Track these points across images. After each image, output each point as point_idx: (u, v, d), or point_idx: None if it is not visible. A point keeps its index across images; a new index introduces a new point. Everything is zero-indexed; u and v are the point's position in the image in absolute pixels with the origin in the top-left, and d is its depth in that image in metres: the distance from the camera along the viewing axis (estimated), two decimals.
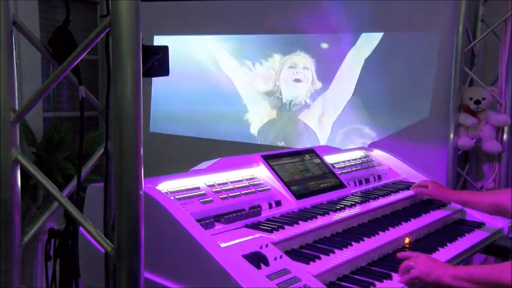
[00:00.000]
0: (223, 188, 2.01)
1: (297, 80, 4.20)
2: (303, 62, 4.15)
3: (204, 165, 2.25)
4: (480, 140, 3.41)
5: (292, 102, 4.23)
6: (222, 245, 1.55)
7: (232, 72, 4.50)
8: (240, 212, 1.93)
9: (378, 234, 1.96)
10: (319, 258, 1.69)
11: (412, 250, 1.96)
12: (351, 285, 1.61)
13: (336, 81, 4.00)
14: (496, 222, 2.38)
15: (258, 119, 4.41)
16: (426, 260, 1.70)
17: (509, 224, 2.38)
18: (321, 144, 4.02)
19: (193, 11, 4.52)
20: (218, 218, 1.84)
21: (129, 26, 1.23)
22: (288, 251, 1.73)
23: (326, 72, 4.03)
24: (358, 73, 3.85)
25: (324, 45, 4.01)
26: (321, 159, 2.49)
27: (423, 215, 2.30)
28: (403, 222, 2.14)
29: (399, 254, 1.80)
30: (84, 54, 1.38)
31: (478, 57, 3.60)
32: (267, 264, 1.51)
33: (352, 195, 2.38)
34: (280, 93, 4.26)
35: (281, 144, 4.28)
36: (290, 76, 4.22)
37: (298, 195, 2.17)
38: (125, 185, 1.27)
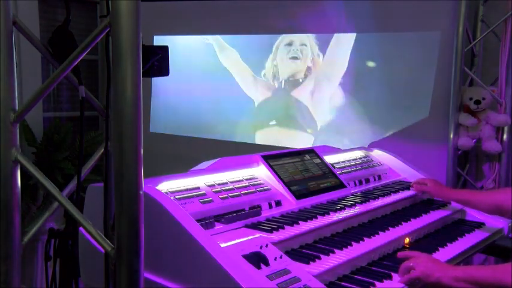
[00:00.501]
0: (223, 188, 2.01)
1: (294, 58, 4.17)
2: (300, 39, 4.12)
3: (204, 165, 2.25)
4: (480, 140, 3.41)
5: (290, 80, 4.19)
6: (222, 245, 1.55)
7: (232, 68, 4.50)
8: (240, 212, 1.93)
9: (377, 234, 1.96)
10: (319, 258, 1.69)
11: (412, 250, 1.96)
12: (351, 285, 1.61)
13: (328, 56, 3.98)
14: (496, 222, 2.38)
15: (256, 103, 4.41)
16: (427, 260, 1.70)
17: (509, 224, 2.38)
18: (316, 121, 4.03)
19: (193, 11, 4.52)
20: (218, 218, 1.84)
21: (129, 26, 1.23)
22: (288, 251, 1.73)
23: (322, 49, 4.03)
24: (350, 50, 3.85)
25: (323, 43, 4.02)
26: (321, 159, 2.49)
27: (423, 215, 2.30)
28: (403, 222, 2.14)
29: (399, 254, 1.79)
30: (84, 54, 1.38)
31: (478, 57, 3.60)
32: (267, 264, 1.51)
33: (352, 195, 2.38)
34: (278, 74, 4.24)
35: (272, 123, 4.27)
36: (286, 54, 4.19)
37: (298, 195, 2.17)
38: (124, 185, 1.27)
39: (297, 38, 4.13)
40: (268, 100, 4.32)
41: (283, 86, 4.22)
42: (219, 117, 4.57)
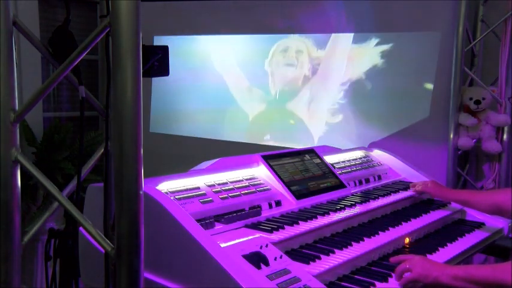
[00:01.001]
0: (223, 188, 2.01)
1: (289, 65, 4.12)
2: (297, 45, 4.08)
3: (204, 165, 2.25)
4: (480, 140, 3.41)
5: (284, 90, 4.13)
6: (222, 245, 1.55)
7: (228, 72, 4.48)
8: (240, 212, 1.93)
9: (378, 234, 1.96)
10: (319, 258, 1.69)
11: (412, 250, 1.96)
12: (351, 285, 1.61)
13: (325, 67, 3.95)
14: (496, 222, 2.38)
15: (250, 115, 4.37)
16: (422, 261, 1.69)
17: (509, 224, 2.38)
18: (313, 137, 4.01)
19: (193, 11, 4.52)
20: (218, 218, 1.84)
21: (129, 26, 1.23)
22: (288, 251, 1.73)
23: (320, 59, 3.98)
24: (349, 50, 3.84)
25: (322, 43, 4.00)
26: (321, 159, 2.49)
27: (423, 215, 2.30)
28: (403, 222, 2.14)
29: (392, 259, 1.79)
30: (84, 54, 1.38)
31: (478, 57, 3.60)
32: (267, 264, 1.51)
33: (352, 195, 2.38)
34: (273, 82, 4.20)
35: (266, 138, 4.24)
36: (281, 59, 4.14)
37: (298, 195, 2.17)
38: (125, 185, 1.27)
39: (293, 44, 4.09)
40: (262, 113, 4.26)
41: (277, 97, 4.18)
42: (219, 119, 4.56)
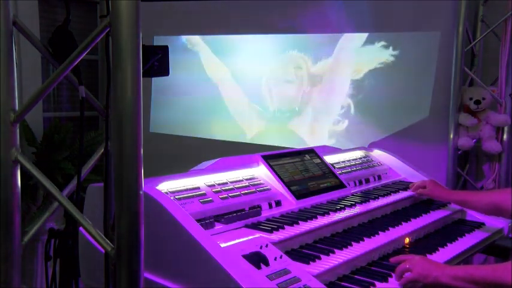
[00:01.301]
0: (223, 188, 2.01)
1: (288, 82, 4.11)
2: (296, 61, 4.09)
3: (204, 165, 2.25)
4: (480, 140, 3.42)
5: (282, 109, 4.12)
6: (222, 245, 1.55)
7: (223, 78, 4.47)
8: (240, 212, 1.93)
9: (378, 234, 1.96)
10: (319, 258, 1.69)
11: (412, 250, 1.96)
12: (351, 285, 1.61)
13: (327, 83, 3.94)
14: (496, 222, 2.38)
15: (248, 128, 4.36)
16: (422, 261, 1.69)
17: (509, 224, 2.38)
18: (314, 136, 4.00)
19: (193, 11, 4.52)
20: (218, 218, 1.84)
21: (129, 26, 1.23)
22: (288, 251, 1.73)
23: (320, 73, 3.98)
24: (350, 74, 3.84)
25: (322, 45, 4.00)
26: (321, 159, 2.49)
27: (423, 215, 2.30)
28: (403, 222, 2.14)
29: (392, 259, 1.79)
30: (84, 54, 1.38)
31: (478, 57, 3.60)
32: (267, 264, 1.51)
33: (352, 195, 2.38)
34: (271, 98, 4.19)
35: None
36: (280, 77, 4.15)
37: (298, 195, 2.17)
38: (125, 185, 1.27)
39: (292, 60, 4.09)
40: (262, 134, 4.24)
41: (276, 115, 4.16)
42: (219, 119, 4.56)
